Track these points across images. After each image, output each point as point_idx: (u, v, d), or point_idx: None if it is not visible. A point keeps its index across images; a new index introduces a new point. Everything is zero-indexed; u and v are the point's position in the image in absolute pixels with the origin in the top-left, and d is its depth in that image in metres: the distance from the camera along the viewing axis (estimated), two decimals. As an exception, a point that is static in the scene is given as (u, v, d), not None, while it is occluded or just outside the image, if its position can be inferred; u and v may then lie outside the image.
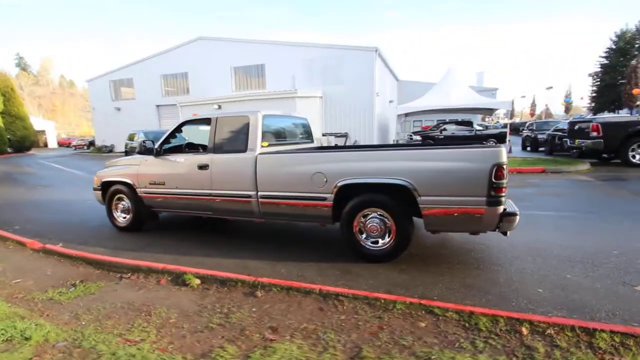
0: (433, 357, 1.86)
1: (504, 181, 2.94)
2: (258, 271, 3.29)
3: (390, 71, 24.59)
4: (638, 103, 33.80)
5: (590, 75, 51.97)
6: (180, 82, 23.19)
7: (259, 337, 2.08)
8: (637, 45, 49.95)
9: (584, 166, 9.27)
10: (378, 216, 3.40)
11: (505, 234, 3.22)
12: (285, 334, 2.13)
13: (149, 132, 14.00)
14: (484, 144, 5.87)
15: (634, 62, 49.37)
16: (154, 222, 4.95)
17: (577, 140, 10.15)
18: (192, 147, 5.05)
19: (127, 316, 2.44)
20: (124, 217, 4.96)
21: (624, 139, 8.94)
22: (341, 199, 3.48)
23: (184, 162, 4.36)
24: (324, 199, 3.51)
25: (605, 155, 10.10)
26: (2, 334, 2.13)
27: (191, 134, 5.24)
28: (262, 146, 3.97)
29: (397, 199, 3.30)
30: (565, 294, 2.65)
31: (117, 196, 4.95)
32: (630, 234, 4.05)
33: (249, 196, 3.90)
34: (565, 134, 13.41)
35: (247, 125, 4.02)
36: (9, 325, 2.24)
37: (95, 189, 5.20)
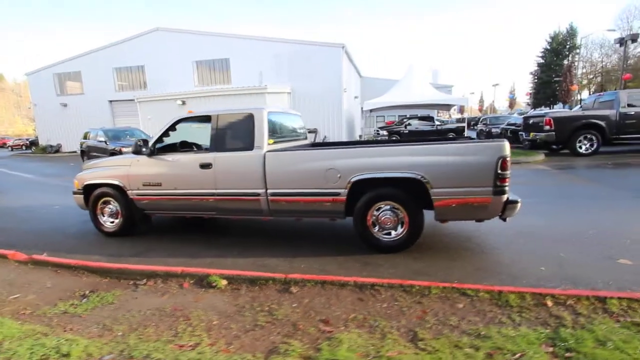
0: (482, 332, 2.04)
1: (508, 172, 3.22)
2: (278, 268, 3.30)
3: (355, 67, 25.05)
4: (573, 99, 37.77)
5: (530, 73, 56.94)
6: (136, 75, 21.74)
7: (315, 330, 2.13)
8: (568, 46, 55.64)
9: (540, 157, 10.25)
10: (391, 209, 3.55)
11: (504, 219, 3.53)
12: (339, 325, 2.20)
13: (109, 130, 12.99)
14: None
15: (567, 61, 54.91)
16: (147, 225, 4.69)
17: (532, 133, 11.18)
18: (185, 146, 4.86)
19: (165, 322, 2.35)
20: (112, 222, 4.64)
21: (572, 132, 10.01)
22: (354, 194, 3.58)
23: (183, 161, 4.18)
24: (337, 194, 3.59)
25: (554, 147, 11.25)
26: (33, 353, 1.96)
27: (182, 133, 5.01)
28: (268, 144, 3.94)
29: (409, 192, 3.47)
30: (564, 270, 2.99)
31: (102, 200, 4.62)
32: (599, 215, 4.62)
33: (257, 194, 3.86)
34: (518, 128, 14.69)
35: (251, 122, 3.95)
36: (34, 343, 2.06)
37: (75, 193, 4.80)
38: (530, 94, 48.88)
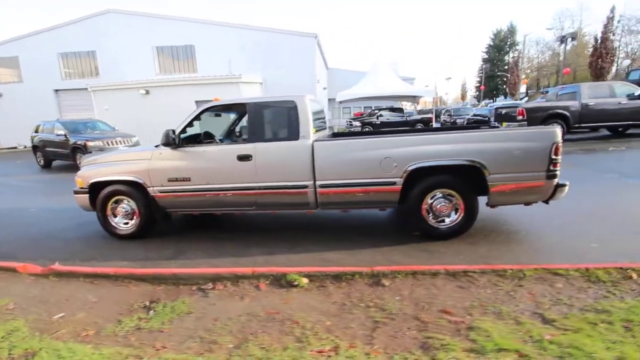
0: (598, 307, 2.13)
1: (560, 157, 3.38)
2: (342, 262, 3.17)
3: (323, 58, 24.91)
4: (522, 92, 41.15)
5: (479, 68, 61.10)
6: (86, 62, 19.61)
7: (446, 322, 2.06)
8: (508, 43, 60.43)
9: (514, 144, 11.02)
10: (445, 196, 3.57)
11: (547, 202, 3.72)
12: (462, 314, 2.15)
13: (67, 122, 11.51)
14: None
15: (507, 57, 59.52)
16: (165, 225, 4.25)
17: (504, 123, 11.96)
18: (208, 137, 4.46)
19: (272, 328, 2.13)
20: (126, 223, 4.13)
21: (541, 121, 10.87)
22: (409, 182, 3.54)
23: (216, 153, 3.82)
24: (393, 183, 3.52)
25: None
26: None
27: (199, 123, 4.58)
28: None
29: (464, 179, 3.51)
30: (612, 245, 3.23)
31: (114, 199, 4.09)
32: (602, 195, 5.04)
33: (305, 186, 3.66)
34: (484, 119, 15.69)
35: (294, 111, 3.71)
36: (135, 367, 1.76)
37: (78, 193, 4.19)
38: (485, 87, 52.39)
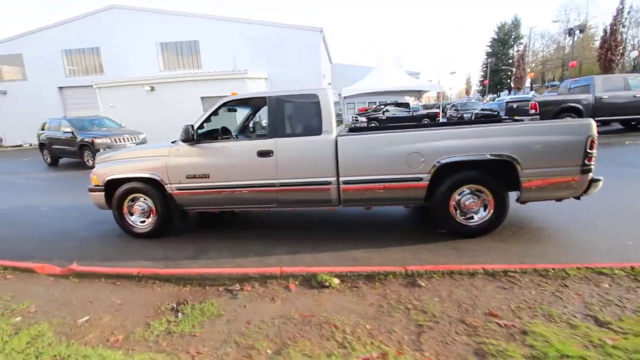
0: (654, 310, 2.01)
1: (595, 151, 3.24)
2: (370, 261, 3.07)
3: (327, 53, 24.67)
4: (532, 86, 40.72)
5: (483, 62, 60.62)
6: (90, 59, 19.48)
7: (495, 326, 1.95)
8: (513, 36, 59.84)
9: (526, 139, 10.85)
10: (473, 192, 3.44)
11: (578, 198, 3.58)
12: (511, 317, 2.04)
13: (74, 119, 11.43)
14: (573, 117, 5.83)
15: (512, 51, 58.96)
16: (182, 222, 4.14)
17: (515, 117, 11.76)
18: (225, 133, 4.35)
19: (311, 332, 2.02)
20: (143, 222, 4.04)
21: (554, 115, 10.68)
22: (436, 178, 3.41)
23: (236, 149, 3.71)
24: (420, 179, 3.40)
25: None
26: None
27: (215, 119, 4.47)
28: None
29: (495, 174, 3.38)
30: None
31: (130, 197, 3.99)
32: (625, 189, 4.88)
33: (328, 183, 3.54)
34: (493, 113, 15.49)
35: (316, 105, 3.59)
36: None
37: (93, 190, 4.09)
38: (489, 81, 51.97)
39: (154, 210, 3.94)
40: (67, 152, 10.91)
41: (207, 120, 3.88)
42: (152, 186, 3.88)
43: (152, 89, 15.88)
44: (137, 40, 18.53)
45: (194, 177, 3.76)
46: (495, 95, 42.70)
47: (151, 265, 3.24)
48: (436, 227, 3.79)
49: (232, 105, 4.10)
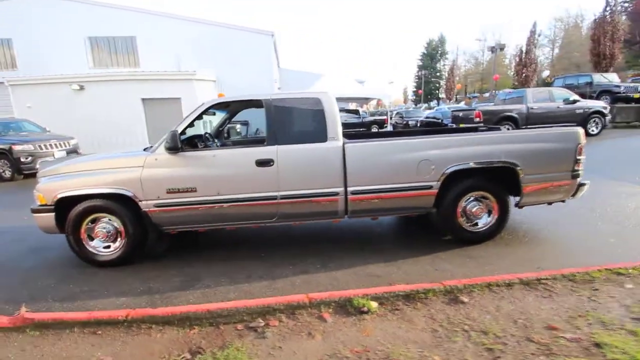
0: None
1: (583, 157, 3.48)
2: (391, 276, 2.88)
3: (277, 58, 24.28)
4: (457, 97, 44.71)
5: (415, 74, 65.59)
6: (0, 52, 16.48)
7: (565, 340, 1.86)
8: (439, 52, 65.83)
9: (473, 144, 11.75)
10: (478, 199, 3.46)
11: (563, 201, 3.81)
12: (570, 329, 1.98)
13: None
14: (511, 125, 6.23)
15: (439, 65, 64.80)
16: (163, 246, 3.51)
17: (461, 124, 12.70)
18: (206, 140, 3.83)
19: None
20: (108, 247, 3.33)
21: (495, 122, 11.74)
22: (445, 185, 3.36)
23: (229, 158, 3.24)
24: (430, 187, 3.32)
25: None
26: None
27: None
28: (338, 133, 3.37)
29: (498, 180, 3.44)
30: (629, 240, 3.40)
31: (90, 217, 3.26)
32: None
33: (335, 194, 3.28)
34: (437, 120, 16.62)
35: (319, 109, 3.31)
36: None
37: (39, 211, 3.27)
38: (422, 91, 56.08)
39: (122, 233, 3.27)
40: (-26, 162, 8.93)
41: (191, 125, 3.35)
42: (121, 203, 3.22)
43: (82, 87, 13.92)
44: (60, 33, 16.16)
45: (177, 191, 3.19)
46: (425, 105, 46.20)
47: (133, 302, 2.64)
48: (435, 234, 3.76)
49: (218, 108, 3.62)
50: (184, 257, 3.51)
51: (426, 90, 62.68)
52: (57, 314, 2.29)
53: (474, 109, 12.25)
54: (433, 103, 59.13)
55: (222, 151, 3.28)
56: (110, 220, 3.29)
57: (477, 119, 11.83)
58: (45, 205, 3.24)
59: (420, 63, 65.63)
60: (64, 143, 9.64)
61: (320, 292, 2.54)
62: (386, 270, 2.99)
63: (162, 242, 3.49)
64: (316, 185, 3.27)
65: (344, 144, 3.26)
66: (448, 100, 45.33)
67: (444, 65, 65.36)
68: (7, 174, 8.54)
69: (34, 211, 3.29)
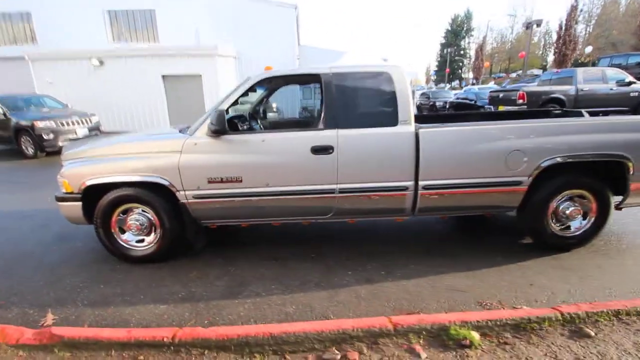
0: None
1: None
2: (475, 290, 2.39)
3: (297, 34, 23.27)
4: (485, 76, 42.59)
5: (438, 53, 62.84)
6: (19, 27, 16.21)
7: None
8: (465, 28, 62.61)
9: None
10: (574, 197, 2.88)
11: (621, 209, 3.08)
12: None
13: (5, 97, 9.05)
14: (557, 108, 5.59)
15: (463, 42, 61.76)
16: (203, 241, 3.10)
17: (500, 107, 11.77)
18: (240, 121, 3.34)
19: None
20: (141, 241, 2.95)
21: (540, 105, 10.79)
22: (536, 182, 2.79)
23: (281, 143, 2.74)
24: (518, 183, 2.75)
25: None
26: None
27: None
28: (407, 116, 2.80)
29: (600, 176, 2.84)
30: None
31: (121, 208, 2.87)
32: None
33: (403, 188, 2.76)
34: (468, 102, 15.62)
35: (389, 86, 2.74)
36: None
37: (64, 200, 2.89)
38: (449, 70, 53.77)
39: (158, 225, 2.87)
40: (-1, 139, 8.77)
41: (235, 103, 2.85)
42: (156, 193, 2.79)
43: (101, 63, 13.55)
44: (79, 6, 15.70)
45: (220, 181, 2.74)
46: (448, 85, 44.19)
47: (174, 312, 2.25)
48: (499, 234, 3.22)
49: (266, 83, 3.10)
50: (225, 253, 3.10)
51: (449, 69, 60.08)
52: (91, 331, 1.90)
53: (517, 90, 11.27)
54: (455, 83, 56.61)
55: (273, 135, 2.77)
56: (143, 211, 2.89)
57: (521, 101, 10.91)
58: (72, 193, 2.85)
59: (444, 41, 62.69)
60: (86, 120, 9.35)
61: (399, 311, 2.08)
62: (468, 283, 2.50)
63: (200, 237, 3.07)
64: (381, 177, 2.75)
65: (417, 129, 2.71)
66: (475, 80, 43.17)
67: (468, 43, 62.26)
68: (30, 151, 8.33)
69: (59, 199, 2.91)
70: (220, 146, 2.72)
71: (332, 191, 2.76)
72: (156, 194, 2.80)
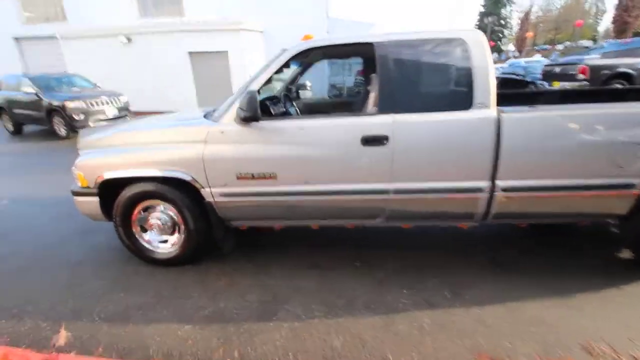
0: None
1: None
2: (580, 328, 1.85)
3: (327, 4, 22.03)
4: (528, 48, 39.16)
5: (476, 23, 58.69)
6: (51, 3, 16.29)
7: None
8: (508, -5, 57.51)
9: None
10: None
11: None
12: None
13: (37, 77, 9.11)
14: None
15: (504, 11, 57.05)
16: (231, 244, 2.74)
17: (555, 83, 10.50)
18: (273, 103, 2.86)
19: None
20: (164, 241, 2.62)
21: (604, 82, 9.48)
22: None
23: (323, 132, 2.24)
24: (631, 185, 2.12)
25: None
26: None
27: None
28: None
29: None
30: None
31: (142, 205, 2.53)
32: None
33: (476, 189, 2.20)
34: (518, 78, 14.17)
35: (463, 58, 2.14)
36: None
37: (80, 194, 2.58)
38: (492, 42, 50.15)
39: (182, 225, 2.52)
40: (33, 119, 8.83)
41: (269, 81, 2.36)
42: (179, 190, 2.42)
43: (129, 40, 13.40)
44: (106, -19, 15.49)
45: (251, 177, 2.30)
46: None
47: (200, 335, 1.90)
48: (587, 246, 2.59)
49: (302, 58, 2.57)
50: (255, 258, 2.71)
51: (488, 40, 55.99)
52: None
53: (576, 64, 9.94)
54: (494, 56, 52.67)
55: (313, 122, 2.27)
56: (165, 208, 2.54)
57: (582, 76, 9.64)
58: (87, 188, 2.53)
59: (483, 9, 58.05)
60: (115, 100, 9.23)
61: (479, 354, 1.60)
62: (558, 313, 1.97)
63: (229, 238, 2.70)
64: (448, 175, 2.21)
65: (499, 113, 2.11)
66: (519, 53, 39.84)
67: (510, 11, 57.36)
68: (63, 131, 8.34)
69: (75, 194, 2.61)
70: (251, 135, 2.26)
71: (384, 191, 2.26)
72: (179, 191, 2.42)
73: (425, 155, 2.18)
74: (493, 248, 2.73)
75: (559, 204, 2.23)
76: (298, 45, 2.29)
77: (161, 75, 13.23)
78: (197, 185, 2.36)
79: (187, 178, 2.35)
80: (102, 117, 8.73)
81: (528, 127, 2.11)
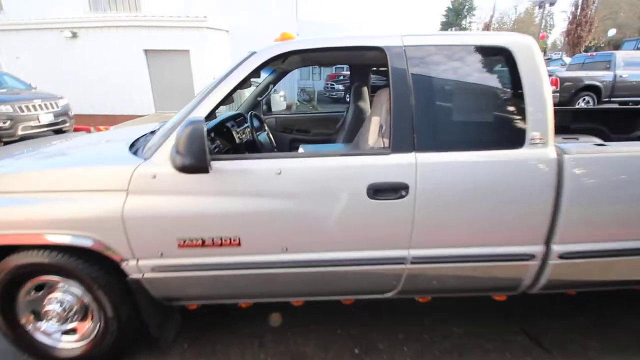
0: None
1: None
2: None
3: (296, 7, 21.38)
4: None
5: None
6: (-21, -10, 14.20)
7: None
8: (467, 7, 60.62)
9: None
10: None
11: None
12: None
13: None
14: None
15: (464, 22, 59.76)
16: (175, 329, 1.90)
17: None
18: (236, 125, 2.08)
19: None
20: (72, 332, 1.74)
21: (574, 94, 9.56)
22: None
23: (309, 177, 1.50)
24: None
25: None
26: None
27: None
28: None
29: None
30: None
31: (31, 282, 1.64)
32: None
33: (527, 256, 1.57)
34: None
35: (509, 75, 1.50)
36: None
37: None
38: None
39: (96, 309, 1.66)
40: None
41: (228, 96, 1.58)
42: (89, 262, 1.56)
43: (74, 35, 11.88)
44: (49, -31, 13.74)
45: (201, 244, 1.51)
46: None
47: None
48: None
49: (279, 63, 1.82)
50: (211, 349, 1.90)
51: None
52: None
53: (550, 75, 10.00)
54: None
55: (296, 163, 1.52)
56: (68, 287, 1.67)
57: (553, 87, 9.66)
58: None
59: (445, 19, 60.41)
60: (52, 104, 7.88)
61: None
62: None
63: (170, 323, 1.87)
64: (490, 238, 1.56)
65: (561, 153, 1.49)
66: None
67: (469, 22, 60.14)
68: (-13, 140, 6.94)
69: None
70: (201, 182, 1.48)
71: (399, 260, 1.56)
72: (89, 263, 1.57)
73: (459, 211, 1.51)
74: (530, 320, 2.10)
75: (621, 268, 1.66)
76: (272, 48, 1.52)
77: (111, 75, 11.81)
78: (115, 257, 1.53)
79: (98, 247, 1.51)
80: (34, 123, 7.39)
81: (596, 168, 1.51)
